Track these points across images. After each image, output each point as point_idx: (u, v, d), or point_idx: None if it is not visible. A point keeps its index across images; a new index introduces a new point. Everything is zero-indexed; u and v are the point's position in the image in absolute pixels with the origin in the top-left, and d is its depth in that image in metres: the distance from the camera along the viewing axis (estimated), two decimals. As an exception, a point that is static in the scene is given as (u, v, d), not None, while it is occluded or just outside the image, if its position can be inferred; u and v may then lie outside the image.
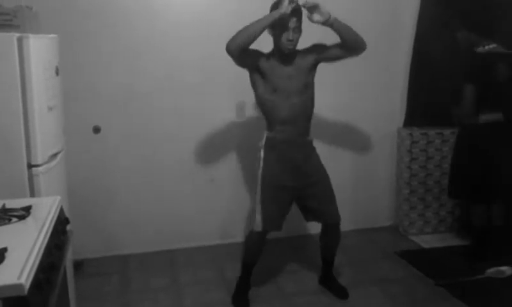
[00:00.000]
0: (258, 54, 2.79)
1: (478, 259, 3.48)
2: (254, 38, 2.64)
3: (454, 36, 3.67)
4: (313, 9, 2.67)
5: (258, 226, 2.88)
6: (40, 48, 2.46)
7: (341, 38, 2.77)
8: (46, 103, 2.49)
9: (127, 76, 3.49)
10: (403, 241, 3.99)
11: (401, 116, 4.10)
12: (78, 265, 3.31)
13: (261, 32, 2.65)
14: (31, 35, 2.34)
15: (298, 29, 2.75)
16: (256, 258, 3.02)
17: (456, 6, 3.83)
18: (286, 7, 2.62)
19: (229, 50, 2.65)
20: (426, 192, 4.07)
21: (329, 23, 2.69)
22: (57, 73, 2.70)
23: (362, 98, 3.99)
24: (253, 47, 2.70)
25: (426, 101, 4.00)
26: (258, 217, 2.87)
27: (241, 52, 2.66)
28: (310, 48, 2.88)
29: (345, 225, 3.89)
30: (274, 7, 2.73)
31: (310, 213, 3.01)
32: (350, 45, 2.79)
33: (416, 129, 4.02)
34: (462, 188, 3.59)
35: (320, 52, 2.86)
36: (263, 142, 2.90)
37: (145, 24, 3.46)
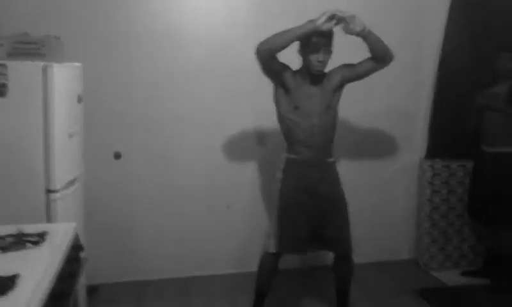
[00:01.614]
0: (285, 67, 2.78)
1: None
2: (285, 45, 2.63)
3: (491, 63, 3.57)
4: (350, 19, 2.63)
5: (272, 247, 2.84)
6: (64, 77, 2.53)
7: (372, 49, 2.74)
8: (67, 130, 2.56)
9: (147, 103, 3.53)
10: (423, 276, 3.89)
11: (423, 147, 4.05)
12: (92, 291, 3.31)
13: (293, 40, 2.64)
14: (55, 64, 2.42)
15: (328, 50, 2.74)
16: (268, 285, 2.97)
17: (490, 28, 3.75)
18: (323, 21, 2.58)
19: (258, 52, 2.64)
20: (448, 225, 3.98)
21: (364, 33, 2.67)
22: (79, 101, 2.77)
23: (383, 128, 3.96)
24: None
25: (449, 132, 3.93)
26: (273, 239, 2.84)
27: (270, 56, 2.66)
28: (336, 69, 2.86)
29: (363, 257, 3.86)
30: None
31: (323, 242, 2.93)
32: (380, 56, 2.77)
33: (439, 161, 3.96)
34: (481, 211, 3.64)
35: (347, 71, 2.84)
36: (282, 163, 2.89)
37: (165, 53, 3.52)
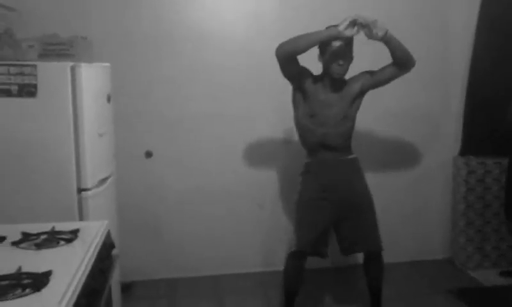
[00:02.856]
0: (306, 72, 2.76)
1: None
2: (304, 49, 2.60)
3: None
4: (372, 25, 2.58)
5: (293, 246, 2.82)
6: (92, 77, 2.54)
7: (394, 54, 2.69)
8: (97, 130, 2.57)
9: (179, 102, 3.54)
10: (459, 276, 3.78)
11: (457, 144, 3.94)
12: (126, 287, 3.35)
13: (313, 44, 2.62)
14: (83, 64, 2.43)
15: (349, 56, 2.71)
16: (295, 284, 2.92)
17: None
18: (345, 27, 2.53)
19: (277, 53, 2.63)
20: (484, 224, 3.86)
21: (386, 38, 2.61)
22: (108, 101, 2.78)
23: (416, 124, 3.87)
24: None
25: (484, 128, 3.82)
26: (295, 238, 2.81)
27: (287, 59, 2.63)
28: (357, 76, 2.82)
29: (398, 257, 3.79)
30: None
31: (348, 244, 2.88)
32: (402, 61, 2.71)
33: (473, 158, 3.85)
34: None
35: (368, 78, 2.80)
36: (302, 167, 2.89)
37: (195, 51, 3.51)
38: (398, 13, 3.66)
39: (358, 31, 2.58)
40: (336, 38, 2.60)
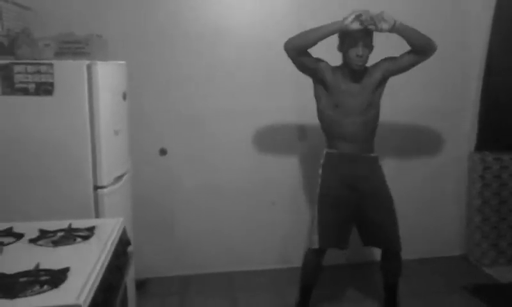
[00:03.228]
0: (321, 64, 2.75)
1: None
2: (312, 43, 2.64)
3: None
4: (377, 19, 2.58)
5: (314, 243, 2.81)
6: (108, 75, 2.56)
7: (409, 42, 2.67)
8: (112, 127, 2.59)
9: (190, 100, 3.56)
10: (475, 273, 3.76)
11: (472, 140, 3.91)
12: (141, 284, 3.38)
13: (320, 39, 2.63)
14: (99, 62, 2.45)
15: (369, 45, 2.69)
16: (313, 280, 2.94)
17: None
18: (350, 21, 2.56)
19: (286, 49, 2.67)
20: (500, 220, 3.83)
21: (395, 29, 2.60)
22: (124, 98, 2.80)
23: (431, 120, 3.84)
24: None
25: (500, 123, 3.79)
26: (315, 235, 2.81)
27: (296, 54, 2.67)
28: (377, 64, 2.80)
29: (413, 253, 3.77)
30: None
31: (368, 238, 2.89)
32: (420, 48, 2.69)
33: (489, 153, 3.81)
34: None
35: (388, 66, 2.78)
36: (322, 158, 2.87)
37: (210, 50, 3.52)
38: (413, 9, 3.63)
39: (363, 25, 2.58)
40: (342, 31, 2.61)
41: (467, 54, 3.83)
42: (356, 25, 2.57)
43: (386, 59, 2.80)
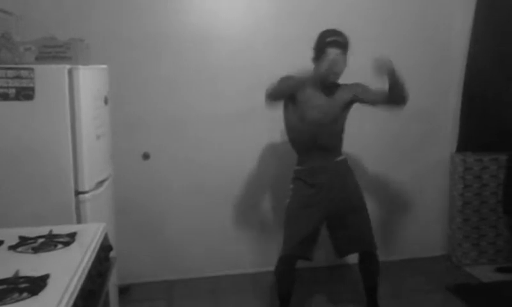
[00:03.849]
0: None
1: None
2: (288, 94, 2.77)
3: None
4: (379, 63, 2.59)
5: (281, 250, 2.86)
6: (90, 79, 2.55)
7: (391, 88, 2.67)
8: (94, 132, 2.58)
9: (176, 104, 3.55)
10: (456, 272, 3.80)
11: (454, 141, 3.96)
12: (124, 290, 3.35)
13: (298, 88, 2.74)
14: (81, 66, 2.44)
15: (343, 64, 2.73)
16: (286, 288, 2.95)
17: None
18: (326, 69, 2.68)
19: (267, 101, 2.77)
20: (481, 220, 3.88)
21: (389, 74, 2.61)
22: (106, 103, 2.79)
23: (413, 122, 3.88)
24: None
25: (480, 124, 3.84)
26: (282, 243, 2.86)
27: (278, 101, 2.79)
28: (351, 85, 2.84)
29: (395, 254, 3.82)
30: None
31: (343, 245, 2.92)
32: (395, 98, 2.72)
33: (470, 154, 3.86)
34: None
35: (360, 92, 2.82)
36: (293, 175, 2.93)
37: (193, 52, 3.53)
38: (395, 12, 3.69)
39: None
40: (328, 44, 2.66)
41: (449, 56, 3.88)
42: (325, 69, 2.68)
43: (359, 85, 2.84)
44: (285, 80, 2.72)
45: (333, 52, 2.67)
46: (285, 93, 2.76)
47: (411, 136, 3.91)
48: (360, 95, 2.81)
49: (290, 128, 2.90)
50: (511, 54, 3.57)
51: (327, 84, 2.78)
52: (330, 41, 2.67)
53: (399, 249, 3.89)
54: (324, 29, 2.77)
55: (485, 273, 3.74)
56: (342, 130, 2.89)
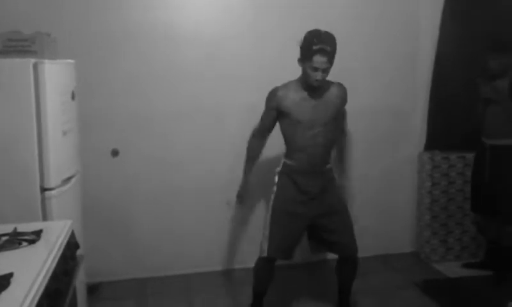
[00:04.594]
0: (276, 104, 2.79)
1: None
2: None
3: (484, 63, 3.50)
4: None
5: (264, 251, 2.84)
6: (56, 74, 2.50)
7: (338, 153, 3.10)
8: (61, 128, 2.52)
9: (145, 100, 3.51)
10: (424, 269, 3.87)
11: (422, 140, 4.02)
12: (93, 289, 3.30)
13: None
14: (46, 61, 2.38)
15: (328, 70, 2.70)
16: (264, 286, 2.96)
17: (478, 27, 3.74)
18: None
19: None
20: (448, 217, 3.96)
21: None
22: (73, 98, 2.73)
23: (382, 122, 3.93)
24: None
25: (448, 123, 3.90)
26: (265, 244, 2.83)
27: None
28: (342, 97, 2.89)
29: (364, 251, 3.81)
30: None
31: (324, 244, 2.95)
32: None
33: (438, 153, 3.93)
34: (482, 204, 3.62)
35: (340, 110, 2.93)
36: (279, 168, 2.90)
37: (161, 48, 3.49)
38: (363, 11, 3.72)
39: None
40: (317, 51, 2.62)
41: (417, 55, 3.93)
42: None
43: (344, 108, 2.96)
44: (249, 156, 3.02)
45: (318, 61, 2.62)
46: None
47: (379, 133, 3.95)
48: (339, 113, 2.90)
49: (287, 131, 2.84)
50: (477, 54, 3.64)
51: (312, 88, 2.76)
52: (317, 49, 2.61)
53: (368, 246, 3.90)
54: (312, 29, 2.71)
55: (452, 269, 3.82)
56: (335, 130, 2.89)
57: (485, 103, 3.50)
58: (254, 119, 3.59)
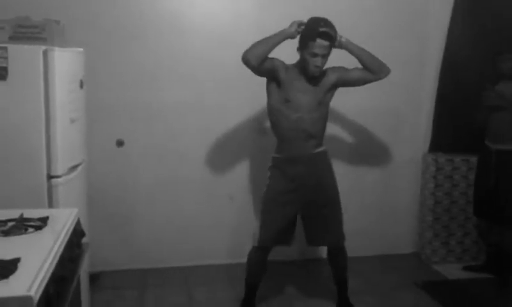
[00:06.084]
0: (276, 63, 2.81)
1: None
2: (268, 52, 2.73)
3: (494, 64, 3.52)
4: None
5: (256, 241, 2.87)
6: (65, 61, 2.50)
7: (358, 59, 2.83)
8: (68, 115, 2.52)
9: (151, 92, 3.52)
10: (425, 270, 3.87)
11: (427, 141, 4.02)
12: (94, 278, 3.30)
13: (274, 46, 2.74)
14: (56, 48, 2.38)
15: (327, 56, 2.75)
16: (257, 278, 2.99)
17: (493, 26, 3.73)
18: (294, 30, 2.74)
19: (247, 61, 2.72)
20: (450, 219, 3.96)
21: (339, 44, 2.78)
22: (81, 86, 2.74)
23: (387, 122, 3.93)
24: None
25: (453, 126, 3.90)
26: (258, 233, 2.86)
27: (260, 62, 2.72)
28: (334, 68, 2.88)
29: (366, 251, 3.86)
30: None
31: (313, 235, 2.94)
32: (369, 67, 2.83)
33: (442, 155, 3.93)
34: (486, 209, 3.60)
35: (342, 74, 2.87)
36: (270, 162, 2.93)
37: (170, 39, 3.50)
38: (370, 9, 3.72)
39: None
40: (317, 35, 2.67)
41: (424, 55, 3.93)
42: (295, 29, 2.75)
43: (342, 68, 2.89)
44: (262, 40, 2.75)
45: (321, 45, 2.68)
46: (266, 50, 2.73)
47: (385, 135, 3.95)
48: (343, 76, 2.87)
49: (273, 111, 2.89)
50: (486, 55, 3.63)
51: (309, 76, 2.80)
52: (321, 32, 2.67)
53: (369, 246, 3.94)
54: (314, 16, 2.78)
55: (452, 271, 3.81)
56: (325, 117, 2.91)
57: (491, 109, 3.48)
58: (259, 111, 3.62)
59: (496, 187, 3.47)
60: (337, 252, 3.00)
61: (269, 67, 2.78)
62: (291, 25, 2.76)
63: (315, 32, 2.67)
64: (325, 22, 2.70)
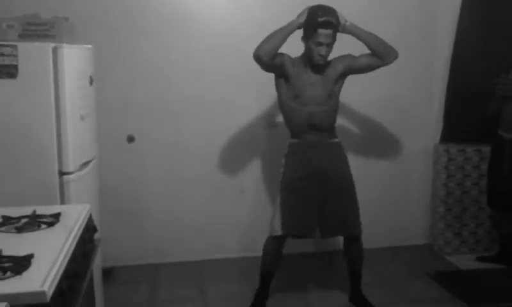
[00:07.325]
0: (284, 58, 2.80)
1: None
2: (280, 45, 2.71)
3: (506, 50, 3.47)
4: None
5: (276, 230, 2.84)
6: (74, 58, 2.50)
7: (366, 44, 2.80)
8: (78, 112, 2.53)
9: (161, 87, 3.53)
10: (437, 261, 3.85)
11: (438, 132, 3.99)
12: (107, 273, 3.33)
13: (285, 39, 2.72)
14: (65, 45, 2.39)
15: (331, 44, 2.75)
16: (273, 267, 2.98)
17: (499, 15, 3.69)
18: (302, 21, 2.72)
19: (258, 56, 2.69)
20: (463, 210, 3.93)
21: (344, 28, 2.75)
22: (91, 83, 2.74)
23: (398, 112, 3.90)
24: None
25: (465, 116, 3.86)
26: (277, 222, 2.84)
27: (271, 58, 2.70)
28: (340, 58, 2.87)
29: (378, 242, 3.85)
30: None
31: (328, 226, 2.91)
32: (377, 51, 2.80)
33: (454, 145, 3.90)
34: (500, 199, 3.56)
35: (350, 62, 2.85)
36: (285, 148, 2.93)
37: (180, 35, 3.50)
38: (379, 4, 3.69)
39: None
40: (320, 25, 2.66)
41: (434, 45, 3.90)
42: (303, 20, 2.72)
43: (349, 55, 2.87)
44: (273, 34, 2.73)
45: (324, 34, 2.67)
46: (277, 44, 2.71)
47: (396, 126, 3.93)
48: (351, 64, 2.85)
49: (284, 107, 2.90)
50: (496, 45, 3.59)
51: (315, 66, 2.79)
52: (322, 22, 2.66)
53: (381, 237, 3.92)
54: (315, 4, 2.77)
55: (465, 262, 3.79)
56: (335, 109, 2.90)
57: (504, 98, 3.43)
58: (268, 107, 3.61)
59: (510, 176, 3.42)
60: (354, 243, 2.98)
61: (279, 63, 2.78)
62: (301, 14, 2.74)
63: (316, 23, 2.67)
64: (323, 11, 2.68)
